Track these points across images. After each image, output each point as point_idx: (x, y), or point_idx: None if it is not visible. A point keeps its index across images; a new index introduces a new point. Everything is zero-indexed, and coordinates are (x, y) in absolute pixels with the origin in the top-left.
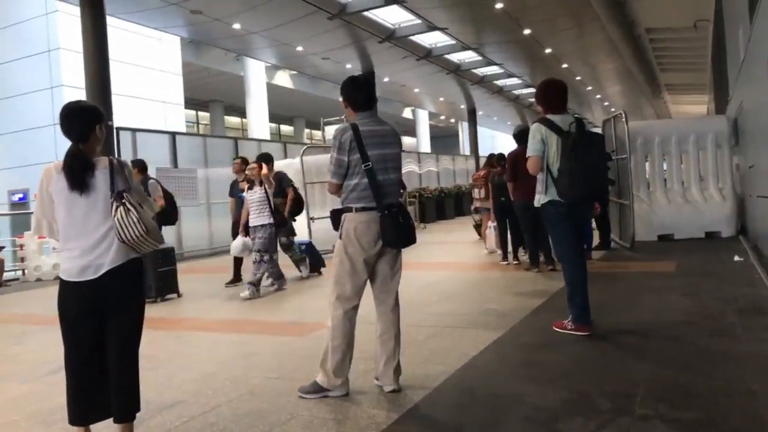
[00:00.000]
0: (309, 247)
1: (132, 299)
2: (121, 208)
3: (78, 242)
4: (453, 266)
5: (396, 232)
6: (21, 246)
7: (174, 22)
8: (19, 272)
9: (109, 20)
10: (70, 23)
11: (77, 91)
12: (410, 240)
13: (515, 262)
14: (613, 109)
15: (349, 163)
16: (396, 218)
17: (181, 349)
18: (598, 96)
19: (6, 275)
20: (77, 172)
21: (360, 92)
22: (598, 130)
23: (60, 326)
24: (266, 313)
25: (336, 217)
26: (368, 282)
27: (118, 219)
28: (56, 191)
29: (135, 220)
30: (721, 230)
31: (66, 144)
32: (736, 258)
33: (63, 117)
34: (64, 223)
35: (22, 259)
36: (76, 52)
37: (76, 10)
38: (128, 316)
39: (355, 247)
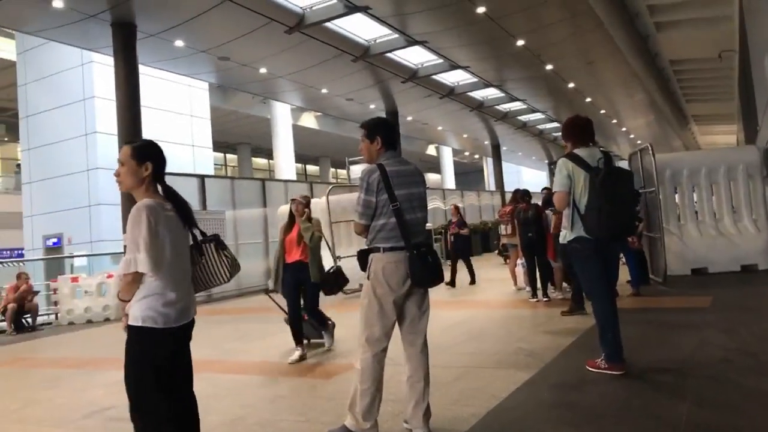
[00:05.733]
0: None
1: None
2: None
3: (182, 285)
4: (480, 304)
5: (425, 271)
6: (54, 290)
7: (203, 69)
8: (52, 316)
9: (141, 68)
10: (105, 73)
11: (110, 138)
12: (439, 279)
13: (545, 299)
14: (639, 142)
15: (377, 203)
16: (425, 257)
17: (208, 392)
18: (624, 129)
19: (39, 319)
20: (189, 209)
21: (392, 132)
22: (625, 164)
23: (147, 385)
24: (291, 355)
25: (363, 257)
26: (398, 323)
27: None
28: (167, 229)
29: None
30: (758, 263)
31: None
32: None
33: (163, 155)
34: (171, 265)
35: (55, 303)
36: (109, 100)
37: (111, 61)
38: (189, 356)
39: (384, 287)
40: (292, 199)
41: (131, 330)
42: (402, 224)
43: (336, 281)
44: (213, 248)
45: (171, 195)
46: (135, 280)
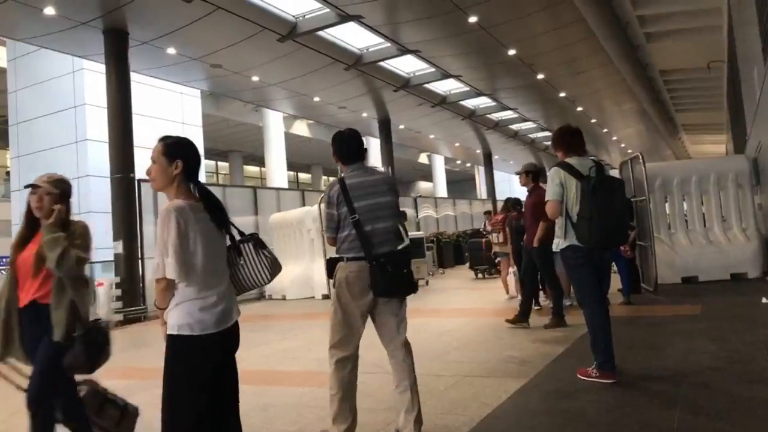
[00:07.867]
0: None
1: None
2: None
3: (219, 288)
4: (472, 312)
5: (384, 281)
6: None
7: (195, 76)
8: None
9: (132, 76)
10: (96, 80)
11: (101, 145)
12: (402, 289)
13: (536, 307)
14: (630, 151)
15: (339, 216)
16: (384, 268)
17: None
18: (615, 138)
19: None
20: (223, 210)
21: (346, 146)
22: (616, 173)
23: (180, 395)
24: (285, 364)
25: (331, 266)
26: (378, 333)
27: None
28: (198, 232)
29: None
30: (747, 271)
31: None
32: (764, 300)
33: (197, 152)
34: (205, 268)
35: None
36: (100, 107)
37: (102, 68)
38: (236, 369)
39: (346, 296)
40: (32, 185)
41: (168, 340)
42: (362, 235)
43: (94, 350)
44: (252, 248)
45: (204, 195)
46: (168, 286)
